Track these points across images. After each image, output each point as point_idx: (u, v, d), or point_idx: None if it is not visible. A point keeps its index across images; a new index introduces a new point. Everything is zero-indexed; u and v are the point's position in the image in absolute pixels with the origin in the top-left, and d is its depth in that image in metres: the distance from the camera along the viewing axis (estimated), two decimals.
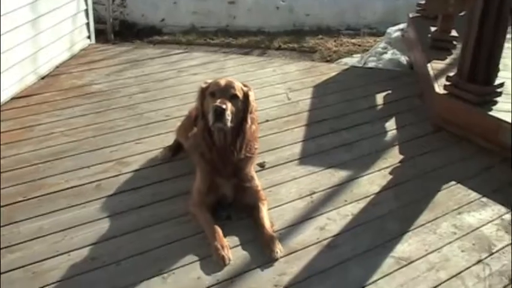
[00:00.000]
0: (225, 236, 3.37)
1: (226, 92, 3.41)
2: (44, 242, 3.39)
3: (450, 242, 3.46)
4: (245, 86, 3.54)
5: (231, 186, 3.58)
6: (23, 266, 3.19)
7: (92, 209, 3.70)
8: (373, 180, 4.07)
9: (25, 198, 3.80)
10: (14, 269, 3.16)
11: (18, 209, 3.68)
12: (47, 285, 3.06)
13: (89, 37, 7.01)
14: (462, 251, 3.38)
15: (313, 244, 3.40)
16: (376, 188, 3.97)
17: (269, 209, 3.63)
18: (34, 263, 3.22)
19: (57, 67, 6.18)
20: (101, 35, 8.53)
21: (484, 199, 3.88)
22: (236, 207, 3.65)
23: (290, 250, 3.34)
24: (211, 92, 3.43)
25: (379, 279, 3.14)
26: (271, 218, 3.55)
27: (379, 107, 5.39)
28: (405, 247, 3.40)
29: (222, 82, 3.45)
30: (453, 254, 3.35)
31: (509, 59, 5.25)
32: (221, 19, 10.08)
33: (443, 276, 3.18)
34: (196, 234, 3.44)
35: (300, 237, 3.46)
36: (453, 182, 4.07)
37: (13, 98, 5.36)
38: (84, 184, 3.98)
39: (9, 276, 3.11)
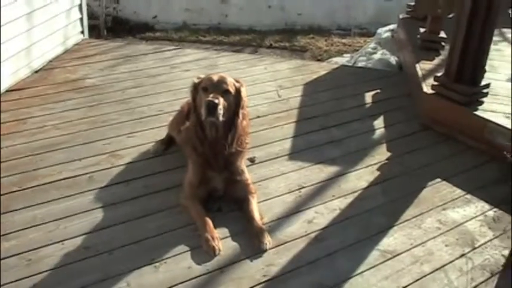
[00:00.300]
0: (215, 227, 3.44)
1: (218, 87, 3.47)
2: (39, 231, 3.45)
3: (434, 237, 3.54)
4: (237, 81, 3.60)
5: (221, 179, 3.65)
6: (18, 254, 3.25)
7: (85, 200, 3.76)
8: (361, 176, 4.15)
9: (19, 189, 3.85)
10: (9, 256, 3.22)
11: (12, 199, 3.74)
12: (42, 272, 3.12)
13: (82, 32, 7.04)
14: (446, 246, 3.46)
15: (301, 236, 3.48)
16: (363, 184, 4.05)
17: (259, 202, 3.70)
18: (29, 250, 3.28)
19: (50, 61, 6.21)
20: (94, 30, 8.60)
21: (469, 196, 3.97)
22: (227, 199, 3.72)
23: (279, 242, 3.41)
24: (204, 87, 3.49)
25: (365, 270, 3.22)
26: (260, 210, 3.62)
27: (368, 105, 5.47)
28: (391, 241, 3.48)
29: (215, 77, 3.51)
30: (437, 248, 3.44)
31: (496, 60, 5.36)
32: (213, 17, 10.16)
33: (427, 269, 3.26)
34: (188, 225, 3.51)
35: (289, 230, 3.53)
36: (439, 179, 4.15)
37: (7, 91, 5.39)
38: (77, 176, 4.04)
39: (4, 263, 3.17)
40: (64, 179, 4.00)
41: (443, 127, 4.80)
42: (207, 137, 3.56)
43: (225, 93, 3.47)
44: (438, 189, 4.04)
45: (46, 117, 4.94)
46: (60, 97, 5.36)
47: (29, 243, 3.35)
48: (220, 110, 3.40)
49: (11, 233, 3.42)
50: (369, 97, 5.60)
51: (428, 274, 3.23)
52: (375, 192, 3.97)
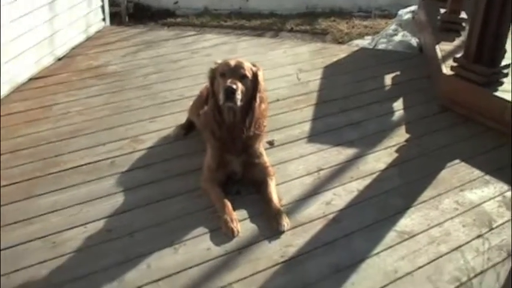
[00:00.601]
0: (234, 209, 3.50)
1: (236, 72, 3.51)
2: (62, 215, 3.54)
3: (452, 218, 3.56)
4: (254, 66, 3.63)
5: (240, 162, 3.70)
6: (42, 237, 3.34)
7: (106, 185, 3.84)
8: (379, 158, 4.17)
9: (43, 174, 3.94)
10: (34, 239, 3.32)
11: (36, 184, 3.83)
12: (65, 254, 3.21)
13: (103, 19, 7.09)
14: (463, 226, 3.48)
15: (319, 218, 3.52)
16: (381, 166, 4.08)
17: (277, 184, 3.74)
18: (53, 234, 3.37)
19: (73, 49, 6.28)
20: (115, 17, 8.62)
21: (487, 177, 3.97)
22: (245, 182, 3.77)
23: (296, 223, 3.46)
24: (222, 73, 3.53)
25: (381, 251, 3.26)
26: (279, 193, 3.66)
27: (388, 87, 5.46)
28: (408, 221, 3.51)
29: (232, 63, 3.55)
30: (454, 229, 3.46)
31: None
32: (234, 2, 10.14)
33: (444, 249, 3.29)
34: (207, 208, 3.57)
35: (307, 212, 3.58)
36: (457, 161, 4.15)
37: (31, 79, 5.49)
38: (99, 161, 4.12)
39: (30, 246, 3.27)
40: (86, 164, 4.08)
41: (463, 108, 4.79)
42: (225, 121, 3.61)
43: (242, 78, 3.51)
44: (456, 171, 4.04)
45: (70, 103, 5.03)
46: (83, 84, 5.44)
47: (53, 226, 3.43)
48: (238, 95, 3.44)
49: (35, 217, 3.51)
50: (388, 79, 5.59)
51: (444, 254, 3.25)
52: (393, 174, 3.99)
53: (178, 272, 3.09)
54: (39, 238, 3.34)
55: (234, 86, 3.42)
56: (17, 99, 5.11)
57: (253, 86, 3.58)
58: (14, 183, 3.84)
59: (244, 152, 3.69)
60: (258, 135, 3.71)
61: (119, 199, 3.69)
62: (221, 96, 3.47)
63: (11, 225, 3.44)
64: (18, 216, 3.50)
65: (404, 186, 3.86)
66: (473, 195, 3.79)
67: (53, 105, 5.00)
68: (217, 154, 3.69)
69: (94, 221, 3.49)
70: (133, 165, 4.08)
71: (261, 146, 3.82)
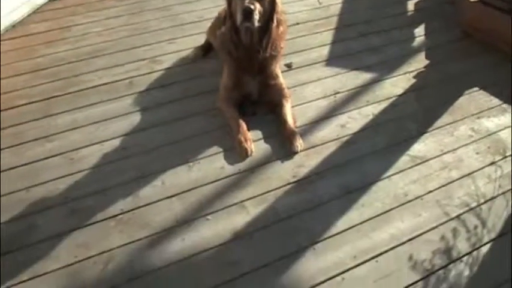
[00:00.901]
0: (249, 130, 3.53)
1: None
2: (79, 133, 3.61)
3: (466, 144, 3.55)
4: None
5: (256, 83, 3.70)
6: (61, 154, 3.43)
7: (123, 104, 3.89)
8: (397, 83, 4.14)
9: (61, 94, 4.00)
10: (53, 156, 3.41)
11: (54, 103, 3.90)
12: (83, 170, 3.30)
13: None
14: (477, 153, 3.48)
15: (332, 140, 3.54)
16: (398, 91, 4.05)
17: (293, 106, 3.76)
18: (71, 151, 3.45)
19: None
20: None
21: (505, 105, 3.92)
22: (261, 103, 3.78)
23: (310, 145, 3.49)
24: None
25: (393, 174, 3.28)
26: (294, 114, 3.68)
27: (410, 13, 5.36)
28: (421, 147, 3.51)
29: None
30: (467, 156, 3.45)
31: None
32: None
33: (455, 175, 3.30)
34: (222, 127, 3.61)
35: (321, 134, 3.60)
36: (476, 88, 4.10)
37: (50, 0, 5.48)
38: (117, 81, 4.16)
39: (48, 162, 3.36)
40: (105, 84, 4.12)
41: (485, 36, 4.70)
42: (242, 42, 3.59)
43: None
44: (474, 98, 4.01)
45: (89, 24, 5.04)
46: (102, 5, 5.43)
47: (71, 144, 3.51)
48: (256, 16, 3.41)
49: (53, 134, 3.60)
50: (411, 5, 5.48)
51: (456, 180, 3.27)
52: (410, 99, 3.96)
53: (191, 189, 3.15)
54: (57, 155, 3.42)
55: (252, 6, 3.38)
56: (36, 20, 5.13)
57: (270, 7, 3.54)
58: (33, 102, 3.92)
59: (260, 73, 3.68)
60: (275, 56, 3.69)
61: (135, 118, 3.74)
62: (239, 17, 3.44)
63: (30, 142, 3.53)
64: (37, 134, 3.59)
65: (420, 111, 3.83)
66: (490, 123, 3.76)
67: (72, 26, 5.01)
68: (233, 74, 3.69)
69: (111, 139, 3.56)
70: (151, 86, 4.10)
71: (278, 68, 3.81)
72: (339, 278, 2.67)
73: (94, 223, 2.95)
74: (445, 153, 3.48)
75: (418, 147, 3.50)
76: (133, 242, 2.85)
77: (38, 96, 3.97)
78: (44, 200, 3.09)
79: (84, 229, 2.92)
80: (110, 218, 2.99)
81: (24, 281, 2.64)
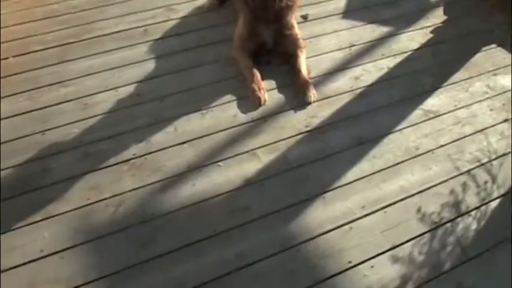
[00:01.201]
0: (263, 79, 3.53)
1: None
2: (94, 79, 3.62)
3: (480, 101, 3.53)
4: None
5: (271, 32, 3.67)
6: (75, 99, 3.45)
7: (139, 51, 3.88)
8: (413, 38, 4.10)
9: (76, 40, 3.99)
10: (67, 101, 3.43)
11: (69, 49, 3.90)
12: (97, 115, 3.32)
13: None
14: (491, 110, 3.46)
15: (346, 92, 3.54)
16: (414, 45, 4.01)
17: (308, 57, 3.74)
18: (85, 96, 3.47)
19: None
20: None
21: None
22: (276, 53, 3.76)
23: (323, 96, 3.49)
24: None
25: (405, 127, 3.29)
26: (308, 65, 3.67)
27: None
28: (435, 101, 3.50)
29: None
30: (481, 112, 3.44)
31: None
32: None
33: (468, 130, 3.30)
34: (237, 76, 3.61)
35: (335, 85, 3.59)
36: (494, 45, 4.05)
37: None
38: (132, 28, 4.14)
39: (63, 107, 3.38)
40: (120, 31, 4.11)
41: None
42: None
43: None
44: (491, 55, 3.96)
45: None
46: None
47: (85, 89, 3.52)
48: None
49: (68, 80, 3.60)
50: None
51: (468, 135, 3.27)
52: (426, 54, 3.93)
53: (203, 136, 3.18)
54: (71, 100, 3.44)
55: None
56: None
57: None
58: (48, 48, 3.91)
59: (275, 23, 3.65)
60: (291, 6, 3.66)
61: (150, 65, 3.74)
62: None
63: (45, 87, 3.55)
64: (52, 79, 3.60)
65: (435, 66, 3.80)
66: (506, 80, 3.72)
67: None
68: (248, 23, 3.66)
69: (125, 85, 3.56)
70: (166, 34, 4.09)
71: (293, 18, 3.77)
72: (347, 227, 2.70)
73: (107, 167, 2.99)
74: (458, 108, 3.47)
75: (432, 102, 3.49)
76: (145, 186, 2.88)
77: (53, 42, 3.97)
78: (58, 143, 3.13)
79: (97, 172, 2.96)
80: (123, 162, 3.02)
81: (37, 222, 2.69)
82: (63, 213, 2.74)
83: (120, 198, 2.81)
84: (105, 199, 2.81)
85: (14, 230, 2.65)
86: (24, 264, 2.51)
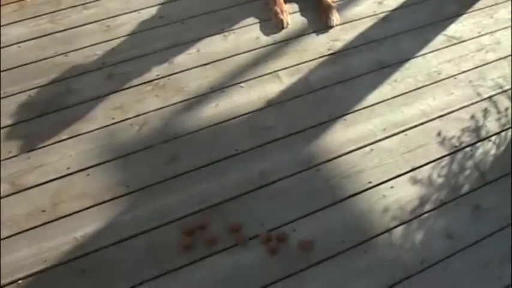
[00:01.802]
0: (285, 2, 3.50)
1: None
2: (117, 1, 3.58)
3: (505, 28, 3.48)
4: None
5: None
6: (97, 21, 3.44)
7: None
8: None
9: None
10: (89, 23, 3.42)
11: None
12: (119, 37, 3.32)
13: None
14: None
15: (369, 16, 3.51)
16: None
17: None
18: (108, 18, 3.46)
19: None
20: None
21: None
22: None
23: (346, 20, 3.47)
24: None
25: (428, 53, 3.27)
26: None
27: None
28: (459, 27, 3.47)
29: None
30: (505, 39, 3.40)
31: None
32: None
33: (491, 57, 3.28)
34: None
35: (358, 9, 3.56)
36: None
37: None
38: None
39: (85, 29, 3.38)
40: None
41: None
42: None
43: None
44: None
45: None
46: None
47: (108, 11, 3.51)
48: None
49: (91, 2, 3.57)
50: None
51: (491, 62, 3.25)
52: None
53: (226, 58, 3.19)
54: (94, 22, 3.43)
55: None
56: None
57: None
58: None
59: None
60: None
61: None
62: None
63: (67, 9, 3.53)
64: (74, 1, 3.57)
65: None
66: None
67: None
68: None
69: (148, 7, 3.54)
70: None
71: None
72: (367, 149, 2.74)
73: (130, 87, 3.02)
74: (482, 35, 3.43)
75: (456, 28, 3.46)
76: (168, 106, 2.92)
77: None
78: (81, 65, 3.14)
79: (121, 93, 2.99)
80: (146, 83, 3.05)
81: (63, 140, 2.74)
82: (88, 132, 2.79)
83: (144, 118, 2.85)
84: (129, 118, 2.85)
85: (40, 148, 2.71)
86: (51, 180, 2.57)
